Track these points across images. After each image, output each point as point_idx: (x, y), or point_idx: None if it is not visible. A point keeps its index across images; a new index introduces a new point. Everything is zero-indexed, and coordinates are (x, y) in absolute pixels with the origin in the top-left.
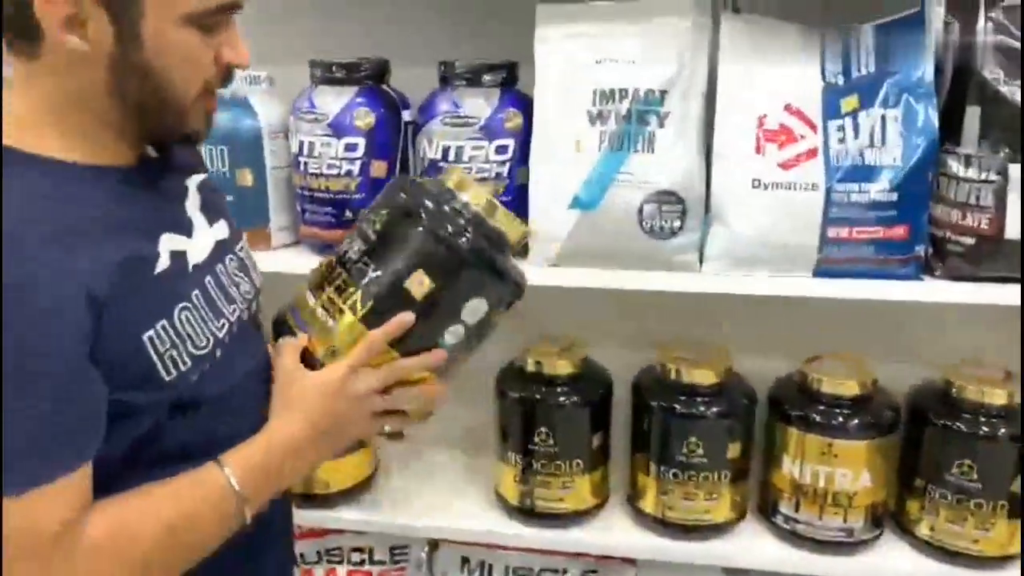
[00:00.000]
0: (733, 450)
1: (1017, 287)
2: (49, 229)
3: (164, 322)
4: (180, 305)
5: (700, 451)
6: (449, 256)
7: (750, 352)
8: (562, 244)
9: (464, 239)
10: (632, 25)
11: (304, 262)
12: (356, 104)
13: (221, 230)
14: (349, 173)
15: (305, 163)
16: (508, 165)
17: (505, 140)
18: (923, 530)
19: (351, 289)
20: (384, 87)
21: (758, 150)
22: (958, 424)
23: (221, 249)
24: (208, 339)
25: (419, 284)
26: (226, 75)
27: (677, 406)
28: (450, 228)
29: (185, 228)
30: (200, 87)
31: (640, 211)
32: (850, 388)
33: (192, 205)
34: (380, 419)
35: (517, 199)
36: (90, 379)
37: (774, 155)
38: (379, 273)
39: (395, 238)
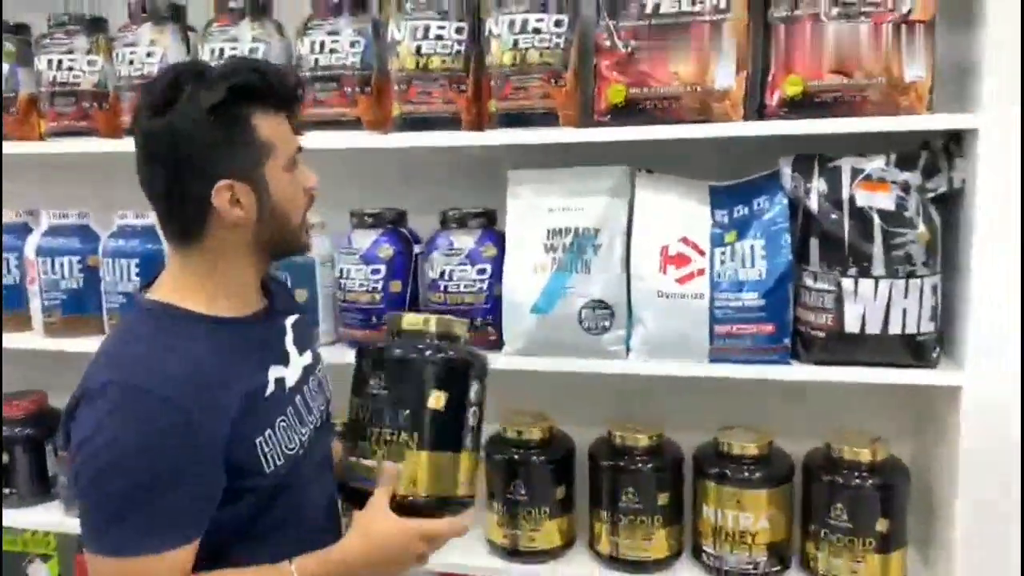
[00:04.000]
0: (663, 499)
1: (862, 369)
2: (210, 377)
3: (269, 431)
4: (279, 418)
5: (636, 499)
6: (444, 369)
7: (681, 423)
8: (526, 340)
9: (447, 353)
10: (575, 184)
11: (341, 354)
12: (380, 241)
13: (307, 358)
14: (374, 290)
15: (343, 284)
16: (487, 282)
17: (484, 264)
18: (820, 566)
19: (395, 435)
20: (402, 229)
21: (662, 270)
22: (835, 477)
23: (307, 373)
24: (296, 441)
25: (437, 399)
26: (311, 197)
27: (620, 463)
28: (436, 352)
29: (284, 359)
30: (302, 209)
31: (580, 315)
32: (751, 449)
33: (289, 340)
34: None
35: (493, 307)
36: (217, 481)
37: (673, 274)
38: (407, 411)
39: (402, 381)
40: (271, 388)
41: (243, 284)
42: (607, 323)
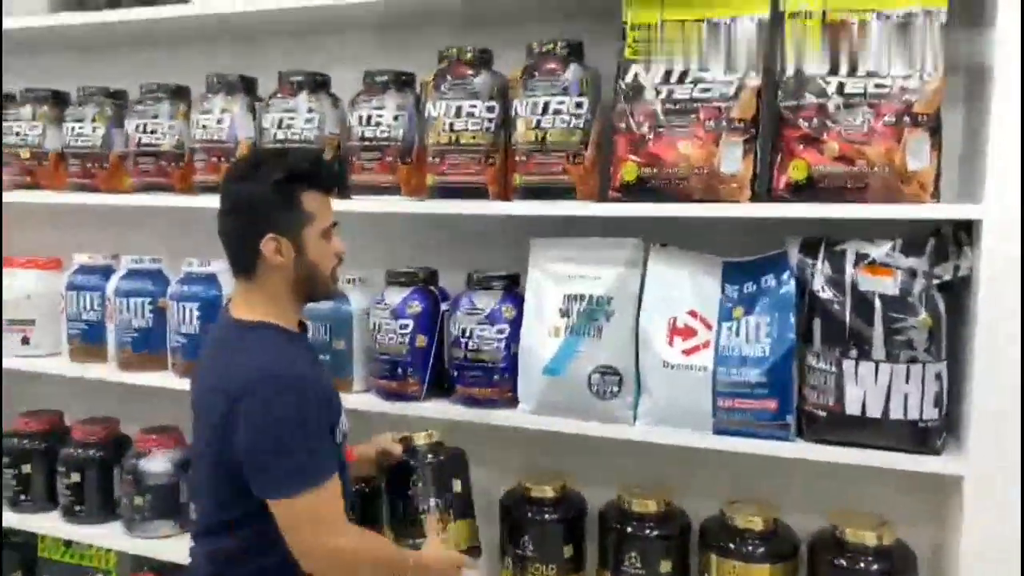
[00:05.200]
0: (666, 566)
1: (862, 451)
2: (315, 377)
3: (340, 416)
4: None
5: (640, 565)
6: (452, 461)
7: (691, 491)
8: (539, 399)
9: (452, 453)
10: (591, 254)
11: (372, 403)
12: (410, 299)
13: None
14: (401, 343)
15: (376, 336)
16: (504, 341)
17: (503, 325)
18: None
19: (441, 518)
20: (431, 287)
21: (669, 341)
22: (840, 559)
23: None
24: (345, 425)
25: (458, 484)
26: (340, 259)
27: (627, 527)
28: (444, 455)
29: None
30: (331, 267)
31: (590, 379)
32: (756, 524)
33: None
34: None
35: (510, 365)
36: (329, 437)
37: (679, 345)
38: (440, 500)
39: (437, 477)
40: (332, 385)
41: (290, 311)
42: (615, 388)
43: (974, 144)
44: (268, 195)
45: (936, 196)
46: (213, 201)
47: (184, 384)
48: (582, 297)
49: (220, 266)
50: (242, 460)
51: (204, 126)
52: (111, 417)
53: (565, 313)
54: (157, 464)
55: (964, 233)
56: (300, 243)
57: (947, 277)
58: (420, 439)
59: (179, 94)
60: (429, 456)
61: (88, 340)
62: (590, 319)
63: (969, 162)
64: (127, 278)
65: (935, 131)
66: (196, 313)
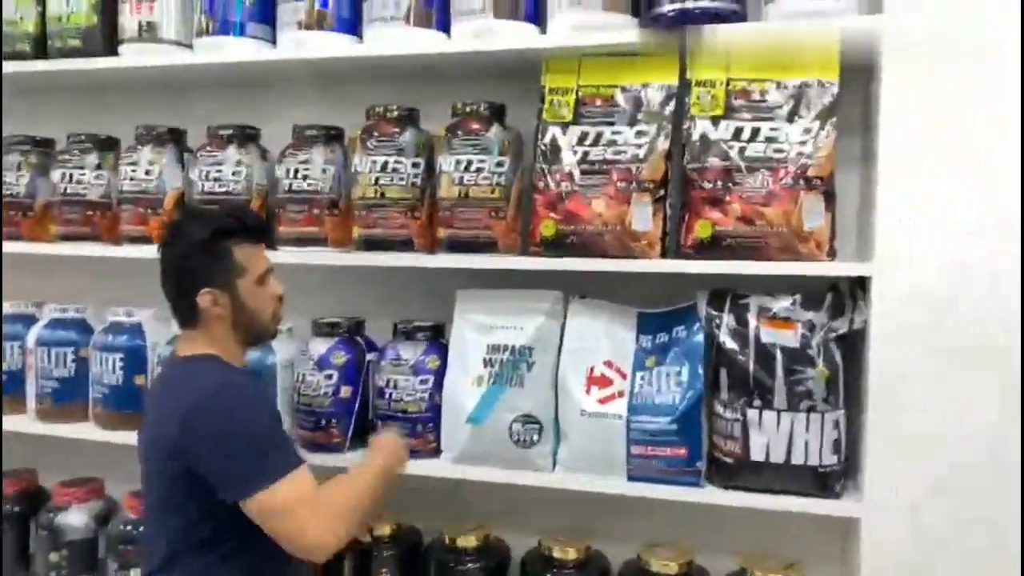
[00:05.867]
0: None
1: (767, 496)
2: (251, 382)
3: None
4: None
5: None
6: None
7: (611, 537)
8: (461, 448)
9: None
10: (514, 305)
11: None
12: (335, 349)
13: None
14: (326, 394)
15: (300, 387)
16: (428, 392)
17: (427, 375)
18: None
19: None
20: (357, 337)
21: (587, 390)
22: None
23: None
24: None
25: None
26: (280, 300)
27: (549, 575)
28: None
29: None
30: (271, 309)
31: (510, 428)
32: (672, 568)
33: None
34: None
35: (434, 415)
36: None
37: (595, 394)
38: None
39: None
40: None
41: (235, 352)
42: (535, 436)
43: (867, 204)
44: (198, 254)
45: (832, 254)
46: (139, 251)
47: (107, 435)
48: (505, 347)
49: (145, 315)
50: (205, 473)
51: (132, 177)
52: (28, 469)
53: (489, 363)
54: (76, 518)
55: (859, 288)
56: (235, 294)
57: (843, 330)
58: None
59: (107, 144)
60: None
61: (7, 391)
62: (513, 369)
63: (864, 221)
64: (49, 327)
65: (829, 194)
66: (120, 364)
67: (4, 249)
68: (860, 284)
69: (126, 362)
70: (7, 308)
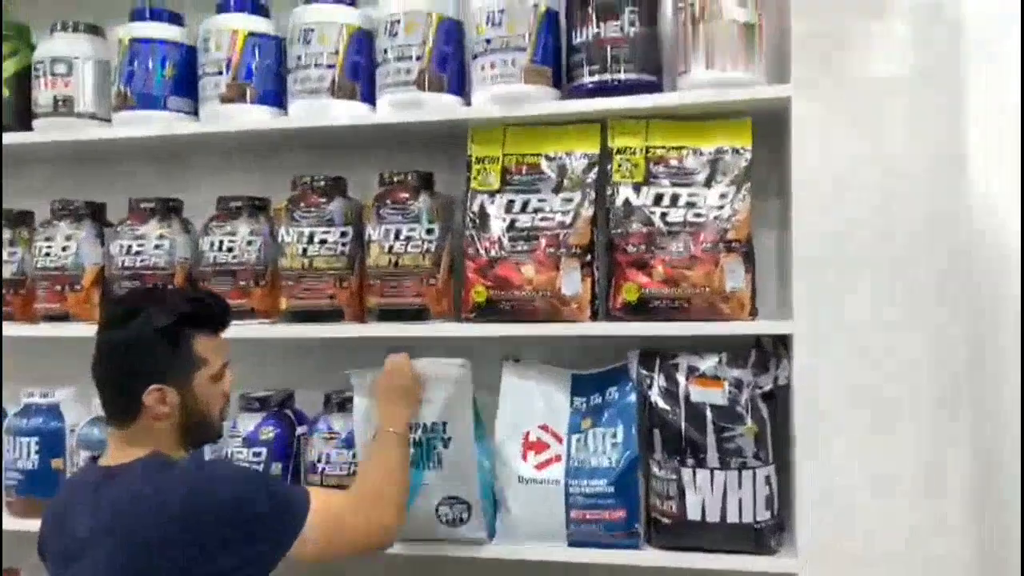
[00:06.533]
0: None
1: (705, 555)
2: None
3: None
4: None
5: None
6: None
7: None
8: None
9: None
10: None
11: None
12: (264, 424)
13: None
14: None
15: None
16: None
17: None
18: None
19: None
20: (286, 411)
21: (524, 457)
22: None
23: None
24: None
25: None
26: (227, 397)
27: None
28: None
29: None
30: (219, 413)
31: (437, 510)
32: None
33: None
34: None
35: None
36: None
37: (532, 460)
38: None
39: None
40: None
41: (176, 444)
42: (464, 515)
43: (785, 263)
44: (152, 343)
45: (753, 313)
46: (56, 330)
47: (21, 524)
48: (416, 426)
49: (64, 395)
50: (226, 551)
51: (47, 253)
52: None
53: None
54: None
55: (782, 346)
56: (188, 390)
57: (768, 386)
58: None
59: (20, 220)
60: None
61: None
62: (429, 448)
63: (782, 280)
64: None
65: (748, 255)
66: (35, 448)
67: None
68: (783, 341)
69: (42, 445)
70: None
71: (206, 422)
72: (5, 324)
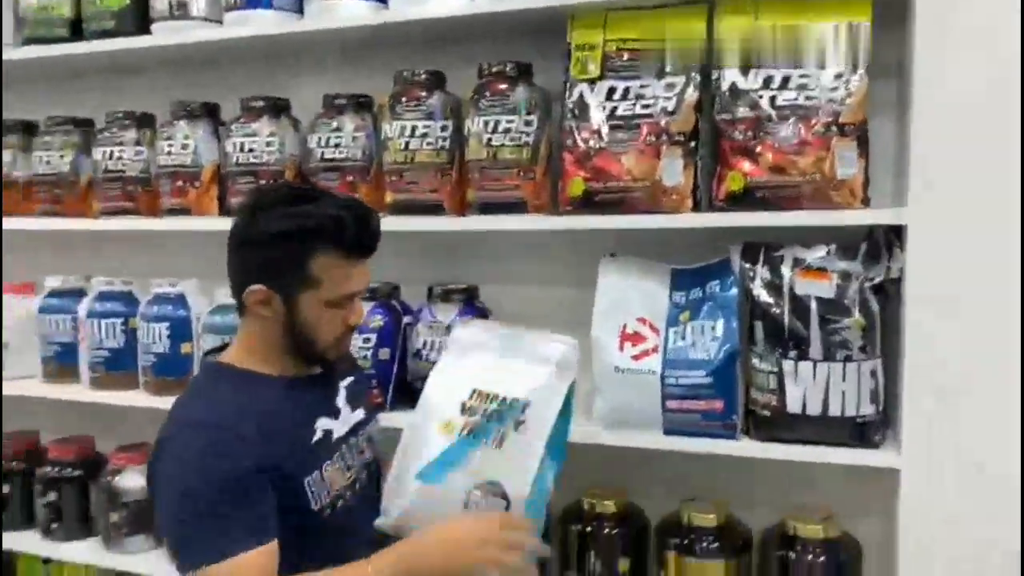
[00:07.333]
0: (623, 565)
1: (804, 447)
2: (263, 421)
3: (316, 472)
4: (326, 462)
5: (598, 564)
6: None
7: (646, 493)
8: (403, 508)
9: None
10: (518, 345)
11: None
12: (372, 313)
13: (359, 414)
14: (364, 357)
15: None
16: None
17: None
18: None
19: None
20: (393, 302)
21: (620, 348)
22: (787, 553)
23: (356, 428)
24: (341, 485)
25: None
26: (350, 329)
27: (587, 529)
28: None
29: (335, 413)
30: (332, 339)
31: (468, 497)
32: (710, 521)
33: (341, 398)
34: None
35: None
36: (271, 500)
37: (628, 351)
38: None
39: None
40: (318, 436)
41: (276, 360)
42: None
43: (900, 149)
44: (264, 244)
45: (866, 202)
46: (178, 224)
47: (156, 401)
48: (493, 396)
49: (188, 286)
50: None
51: (169, 152)
52: (86, 436)
53: (467, 409)
54: (131, 481)
55: (895, 236)
56: (295, 305)
57: (879, 279)
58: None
59: (144, 121)
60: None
61: (61, 361)
62: (498, 421)
63: (899, 167)
64: (98, 300)
65: (862, 139)
66: (166, 333)
67: (50, 227)
68: (896, 232)
69: (172, 331)
70: (57, 283)
71: (310, 343)
72: (132, 219)
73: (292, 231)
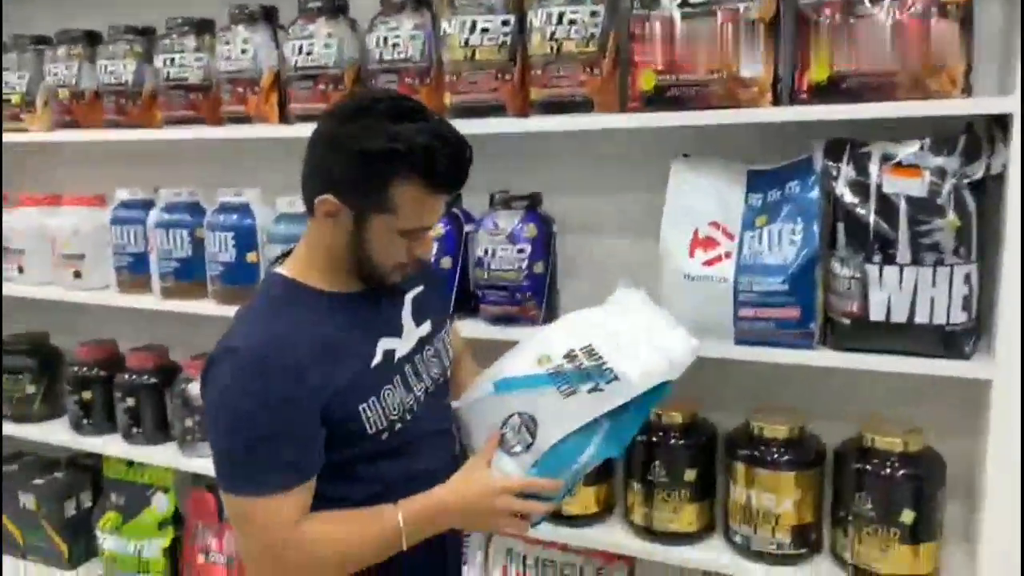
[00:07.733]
0: (690, 475)
1: (887, 357)
2: (322, 347)
3: (373, 398)
4: (386, 386)
5: (665, 474)
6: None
7: (719, 403)
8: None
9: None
10: (644, 339)
11: None
12: None
13: (425, 328)
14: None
15: None
16: (526, 260)
17: (524, 244)
18: (846, 553)
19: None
20: (454, 209)
21: (691, 254)
22: (863, 465)
23: (422, 343)
24: (401, 408)
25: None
26: (417, 261)
27: (654, 439)
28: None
29: (397, 331)
30: (397, 265)
31: (507, 420)
32: (781, 432)
33: (406, 313)
34: (506, 524)
35: (532, 284)
36: (320, 435)
37: (700, 257)
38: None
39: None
40: (378, 359)
41: (333, 274)
42: (518, 447)
43: (1008, 32)
44: (351, 158)
45: (967, 91)
46: (241, 132)
47: (225, 310)
48: (595, 353)
49: (252, 195)
50: None
51: (228, 57)
52: (160, 344)
53: (570, 356)
54: None
55: (998, 128)
56: (365, 224)
57: (979, 175)
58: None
59: (203, 27)
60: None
61: (134, 272)
62: (586, 375)
63: (1006, 52)
64: (166, 211)
65: (965, 22)
66: (232, 242)
67: (116, 138)
68: (999, 123)
69: (238, 240)
70: (125, 195)
71: (372, 266)
72: (197, 128)
73: (381, 152)
